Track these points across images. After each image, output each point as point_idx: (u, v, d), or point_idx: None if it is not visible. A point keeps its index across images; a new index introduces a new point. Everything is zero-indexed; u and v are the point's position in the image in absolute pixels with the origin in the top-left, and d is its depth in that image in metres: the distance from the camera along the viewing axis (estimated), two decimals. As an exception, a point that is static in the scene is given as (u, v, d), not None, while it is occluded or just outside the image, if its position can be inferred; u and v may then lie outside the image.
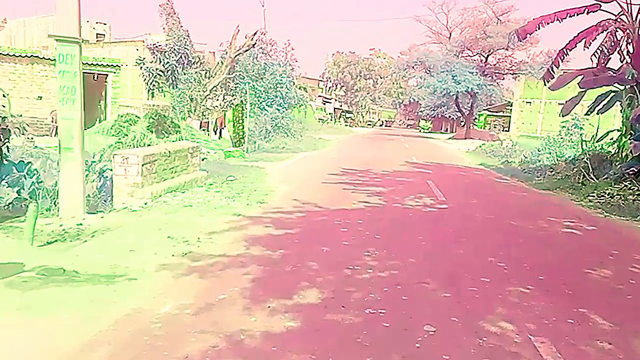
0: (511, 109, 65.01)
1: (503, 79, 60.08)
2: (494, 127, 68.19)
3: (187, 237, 7.82)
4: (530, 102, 60.79)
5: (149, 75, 17.38)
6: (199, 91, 30.60)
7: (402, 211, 11.41)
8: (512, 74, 56.78)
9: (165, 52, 18.56)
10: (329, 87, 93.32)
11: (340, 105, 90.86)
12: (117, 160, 10.23)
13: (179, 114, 31.37)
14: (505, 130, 63.98)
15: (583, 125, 30.41)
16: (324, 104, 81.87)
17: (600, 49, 17.62)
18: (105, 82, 25.93)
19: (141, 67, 17.97)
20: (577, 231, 10.26)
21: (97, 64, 24.85)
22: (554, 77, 20.64)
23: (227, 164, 17.64)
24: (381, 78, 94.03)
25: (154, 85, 17.71)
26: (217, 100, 33.57)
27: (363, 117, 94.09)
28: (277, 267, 6.74)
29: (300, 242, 8.07)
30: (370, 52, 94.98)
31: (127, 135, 18.79)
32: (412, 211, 11.46)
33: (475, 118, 66.64)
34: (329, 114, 79.46)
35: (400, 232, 9.29)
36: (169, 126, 19.88)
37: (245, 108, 25.89)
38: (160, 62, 17.92)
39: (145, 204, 10.13)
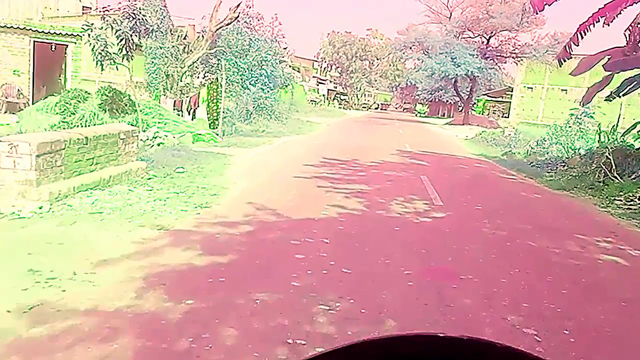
0: (511, 95, 62.65)
1: (505, 62, 57.04)
2: (493, 113, 65.78)
3: (58, 271, 5.22)
4: (531, 88, 58.40)
5: (97, 43, 14.59)
6: (176, 67, 27.96)
7: (387, 223, 8.77)
8: (516, 57, 53.84)
9: (119, 17, 15.76)
10: (324, 68, 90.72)
11: (335, 87, 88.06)
12: (2, 148, 7.55)
13: (153, 91, 28.88)
14: (505, 117, 61.71)
15: (594, 113, 27.78)
16: (318, 85, 79.09)
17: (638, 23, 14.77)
18: (65, 54, 23.15)
19: (89, 35, 15.17)
20: (621, 259, 7.61)
21: (54, 33, 22.04)
22: (571, 57, 17.76)
23: (187, 151, 14.97)
24: (377, 59, 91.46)
25: (103, 56, 14.89)
26: (198, 78, 30.98)
27: (358, 99, 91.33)
28: (164, 341, 4.09)
29: (228, 283, 5.41)
30: (367, 33, 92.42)
31: (74, 114, 16.09)
32: (399, 223, 8.82)
33: (474, 103, 63.95)
34: (322, 95, 76.62)
35: (381, 263, 6.58)
36: (126, 104, 17.15)
37: (220, 86, 23.15)
38: (113, 29, 15.10)
39: (40, 208, 7.47)
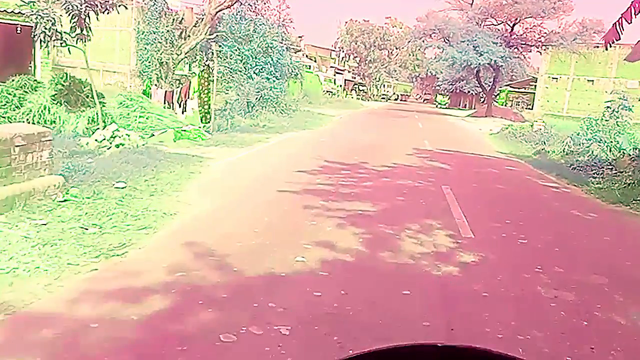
0: (535, 86, 59.24)
1: (530, 51, 53.44)
2: (517, 105, 62.46)
3: None
4: (556, 78, 54.94)
5: (41, 20, 11.72)
6: (171, 54, 25.16)
7: (392, 279, 5.76)
8: (542, 46, 50.31)
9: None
10: (342, 58, 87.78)
11: (354, 77, 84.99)
12: None
13: (145, 81, 26.29)
14: (529, 109, 58.32)
15: (633, 106, 24.56)
16: (335, 75, 76.08)
17: None
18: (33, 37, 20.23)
19: (31, 10, 12.29)
20: None
21: (18, 13, 19.14)
22: (620, 38, 14.48)
23: (153, 154, 12.02)
24: (397, 49, 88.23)
25: (49, 36, 11.99)
26: (197, 66, 28.22)
27: (377, 90, 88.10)
28: None
29: None
30: (385, 21, 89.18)
31: (18, 107, 13.27)
32: (411, 278, 5.80)
33: (497, 94, 60.59)
34: (339, 86, 73.52)
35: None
36: (87, 96, 14.28)
37: (212, 74, 20.22)
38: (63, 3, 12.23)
39: None
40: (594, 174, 15.18)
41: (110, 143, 12.39)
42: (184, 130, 17.05)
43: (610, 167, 15.76)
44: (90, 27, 13.19)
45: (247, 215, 7.86)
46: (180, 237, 6.52)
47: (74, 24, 12.59)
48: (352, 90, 79.27)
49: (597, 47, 50.48)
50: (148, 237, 6.39)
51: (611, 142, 18.69)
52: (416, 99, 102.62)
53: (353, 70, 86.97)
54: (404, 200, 9.82)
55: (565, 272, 6.39)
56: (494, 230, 8.14)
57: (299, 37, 68.41)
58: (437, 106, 79.13)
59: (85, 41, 13.10)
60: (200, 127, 18.55)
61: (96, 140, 12.34)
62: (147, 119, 17.46)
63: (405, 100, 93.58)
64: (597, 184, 13.79)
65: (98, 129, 13.11)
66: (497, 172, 15.21)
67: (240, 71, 28.51)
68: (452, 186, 11.51)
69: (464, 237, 7.49)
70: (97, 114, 13.61)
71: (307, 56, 69.69)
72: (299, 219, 7.84)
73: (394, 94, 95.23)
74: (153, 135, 16.55)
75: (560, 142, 23.27)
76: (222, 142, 16.39)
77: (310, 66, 63.36)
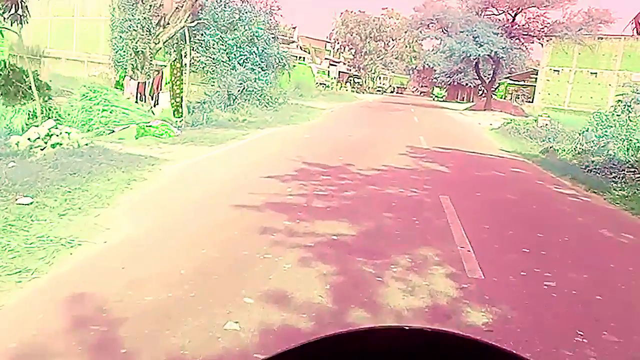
0: (536, 78, 57.34)
1: (532, 42, 51.31)
2: (517, 98, 60.68)
3: None
4: (558, 71, 53.14)
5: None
6: (148, 42, 23.13)
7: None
8: (545, 36, 48.28)
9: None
10: (337, 49, 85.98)
11: (349, 69, 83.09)
12: None
13: (119, 71, 24.42)
14: (529, 102, 56.57)
15: (645, 99, 22.66)
16: (329, 67, 74.17)
17: None
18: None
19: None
20: None
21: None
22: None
23: (93, 156, 9.98)
24: (393, 40, 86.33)
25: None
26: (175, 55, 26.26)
27: (373, 82, 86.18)
28: None
29: None
30: (382, 12, 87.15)
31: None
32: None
33: (496, 87, 58.70)
34: (333, 78, 71.54)
35: None
36: (29, 88, 12.24)
37: (183, 64, 18.22)
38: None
39: None
40: (613, 177, 13.26)
41: (46, 142, 10.39)
42: (150, 126, 15.12)
43: (632, 169, 13.83)
44: (27, 7, 11.17)
45: (179, 247, 5.86)
46: (66, 286, 4.54)
47: (4, 5, 10.58)
48: (346, 82, 77.45)
49: (602, 38, 49.00)
50: (20, 286, 4.43)
51: (630, 140, 16.68)
52: (413, 92, 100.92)
53: (348, 62, 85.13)
54: (392, 218, 7.81)
55: (622, 345, 4.38)
56: (510, 265, 6.13)
57: (293, 27, 66.67)
58: (434, 99, 77.33)
59: (21, 23, 11.08)
60: (170, 122, 16.67)
61: (29, 139, 10.33)
62: (110, 112, 15.63)
63: (401, 93, 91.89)
64: (620, 190, 11.88)
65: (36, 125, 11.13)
66: (502, 176, 13.20)
67: (223, 61, 26.52)
68: (451, 195, 9.54)
69: (471, 279, 5.51)
70: (34, 107, 11.61)
71: (300, 47, 67.81)
72: (249, 250, 5.85)
73: (390, 86, 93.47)
74: (113, 131, 14.65)
75: (568, 139, 21.34)
76: (191, 139, 14.45)
77: (303, 58, 61.47)
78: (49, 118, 11.52)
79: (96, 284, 4.63)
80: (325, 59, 76.89)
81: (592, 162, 15.60)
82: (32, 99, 12.27)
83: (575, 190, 11.89)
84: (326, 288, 4.97)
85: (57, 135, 10.51)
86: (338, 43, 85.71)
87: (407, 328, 0.86)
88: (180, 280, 4.86)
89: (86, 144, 10.85)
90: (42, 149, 10.15)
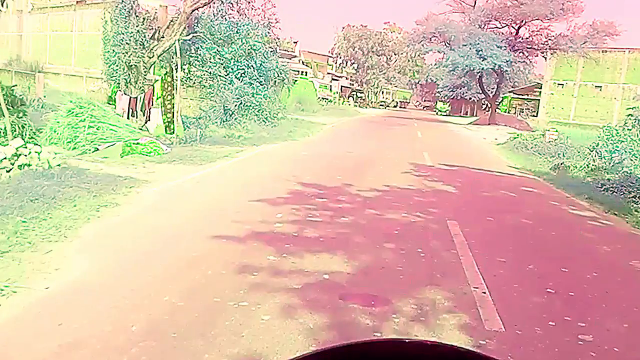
0: (540, 92, 56.58)
1: (537, 55, 50.43)
2: (521, 112, 59.93)
3: None
4: (562, 85, 52.33)
5: None
6: (142, 57, 22.33)
7: None
8: (549, 49, 47.40)
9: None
10: (339, 64, 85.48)
11: (351, 84, 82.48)
12: None
13: (111, 85, 23.68)
14: (533, 115, 55.79)
15: (653, 113, 21.90)
16: (332, 81, 73.50)
17: None
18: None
19: None
20: None
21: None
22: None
23: (64, 178, 9.00)
24: (395, 55, 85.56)
25: None
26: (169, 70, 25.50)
27: (376, 97, 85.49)
28: None
29: None
30: (384, 27, 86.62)
31: None
32: None
33: (500, 101, 57.88)
34: (335, 92, 70.80)
35: None
36: (10, 101, 11.32)
37: (175, 78, 17.31)
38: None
39: None
40: (632, 197, 12.25)
41: (12, 164, 9.44)
42: (137, 144, 14.24)
43: (654, 189, 12.84)
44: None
45: (137, 293, 4.86)
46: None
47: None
48: (349, 97, 76.85)
49: (606, 51, 48.23)
50: None
51: (644, 157, 15.73)
52: (416, 106, 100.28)
53: (351, 76, 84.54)
54: (394, 250, 6.82)
55: None
56: (535, 311, 5.12)
57: (294, 42, 66.05)
58: (437, 113, 76.58)
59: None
60: (163, 139, 15.86)
61: (-7, 160, 9.39)
62: (97, 129, 14.83)
63: (404, 108, 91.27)
64: (642, 212, 10.88)
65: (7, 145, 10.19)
66: (514, 197, 12.21)
67: (220, 75, 25.69)
68: (460, 221, 8.56)
69: (490, 332, 4.51)
70: (12, 123, 10.67)
71: (302, 62, 67.14)
72: (222, 295, 4.86)
73: (393, 100, 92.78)
74: (97, 149, 13.77)
75: (578, 155, 20.36)
76: (181, 157, 13.52)
77: (305, 72, 60.82)
78: (21, 136, 10.61)
79: (17, 347, 3.66)
80: (328, 73, 76.39)
81: (608, 180, 14.61)
82: (11, 113, 11.36)
83: (594, 212, 10.90)
84: (312, 349, 3.97)
85: (26, 156, 9.57)
86: (340, 57, 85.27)
87: (407, 341, 0.91)
88: (128, 341, 3.87)
89: (58, 165, 9.89)
90: (7, 171, 9.21)
